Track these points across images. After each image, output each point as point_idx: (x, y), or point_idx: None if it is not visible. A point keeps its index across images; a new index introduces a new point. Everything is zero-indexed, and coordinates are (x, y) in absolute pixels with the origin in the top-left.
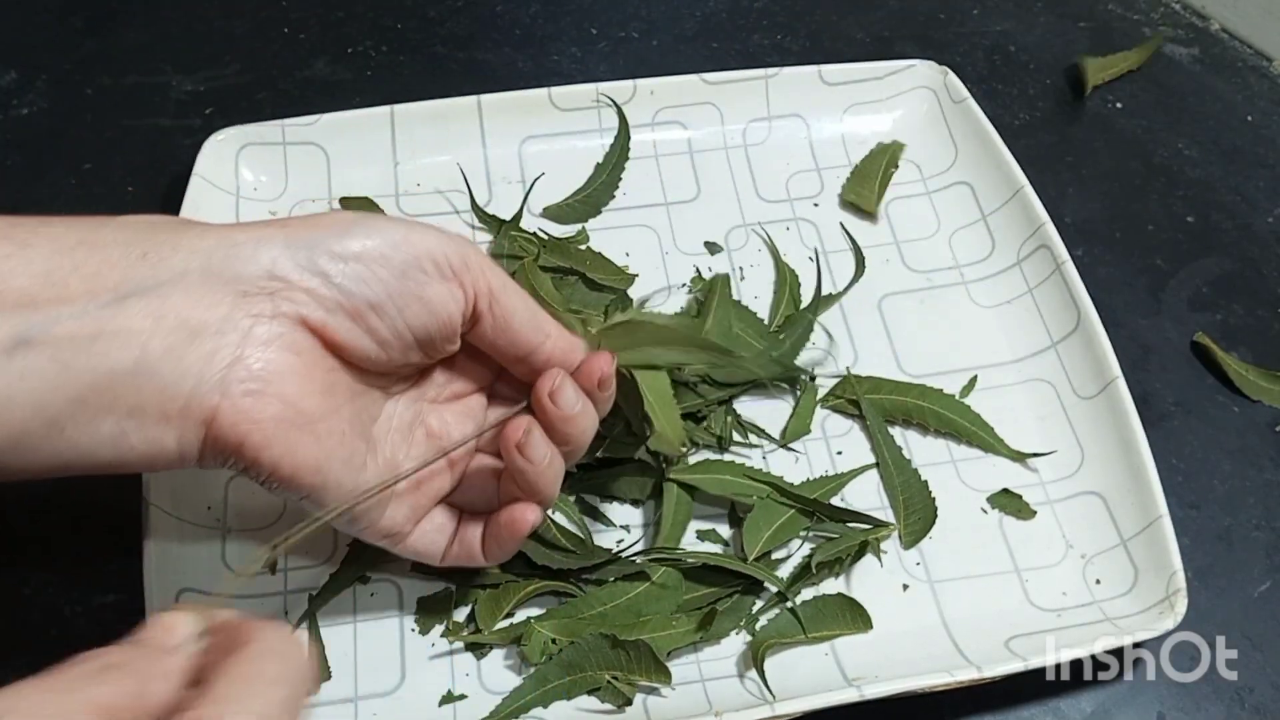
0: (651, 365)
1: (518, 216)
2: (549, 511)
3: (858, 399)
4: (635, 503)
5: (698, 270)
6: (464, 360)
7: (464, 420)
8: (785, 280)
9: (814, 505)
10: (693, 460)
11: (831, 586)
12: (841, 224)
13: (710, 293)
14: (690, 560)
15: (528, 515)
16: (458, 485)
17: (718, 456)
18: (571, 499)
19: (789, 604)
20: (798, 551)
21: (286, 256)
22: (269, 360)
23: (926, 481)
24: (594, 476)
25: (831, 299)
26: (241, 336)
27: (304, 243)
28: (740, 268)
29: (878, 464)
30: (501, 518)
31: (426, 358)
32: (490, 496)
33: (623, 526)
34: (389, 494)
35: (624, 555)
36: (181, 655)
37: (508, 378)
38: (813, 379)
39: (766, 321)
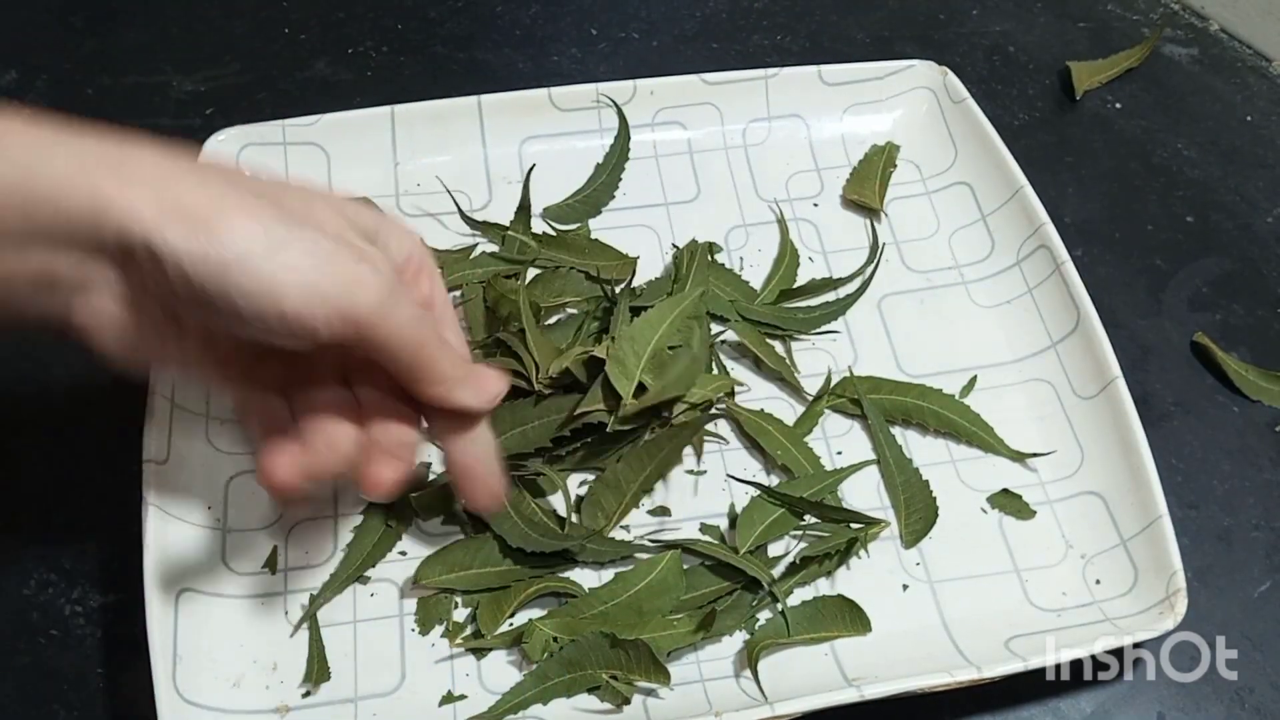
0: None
1: (518, 221)
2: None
3: (858, 398)
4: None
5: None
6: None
7: None
8: (786, 255)
9: (801, 504)
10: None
11: (830, 586)
12: (891, 220)
13: (690, 258)
14: (684, 543)
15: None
16: None
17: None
18: (564, 476)
19: (779, 603)
20: (795, 551)
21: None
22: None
23: (928, 481)
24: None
25: (850, 300)
26: None
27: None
28: (740, 268)
29: (879, 463)
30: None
31: None
32: None
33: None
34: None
35: (610, 536)
36: None
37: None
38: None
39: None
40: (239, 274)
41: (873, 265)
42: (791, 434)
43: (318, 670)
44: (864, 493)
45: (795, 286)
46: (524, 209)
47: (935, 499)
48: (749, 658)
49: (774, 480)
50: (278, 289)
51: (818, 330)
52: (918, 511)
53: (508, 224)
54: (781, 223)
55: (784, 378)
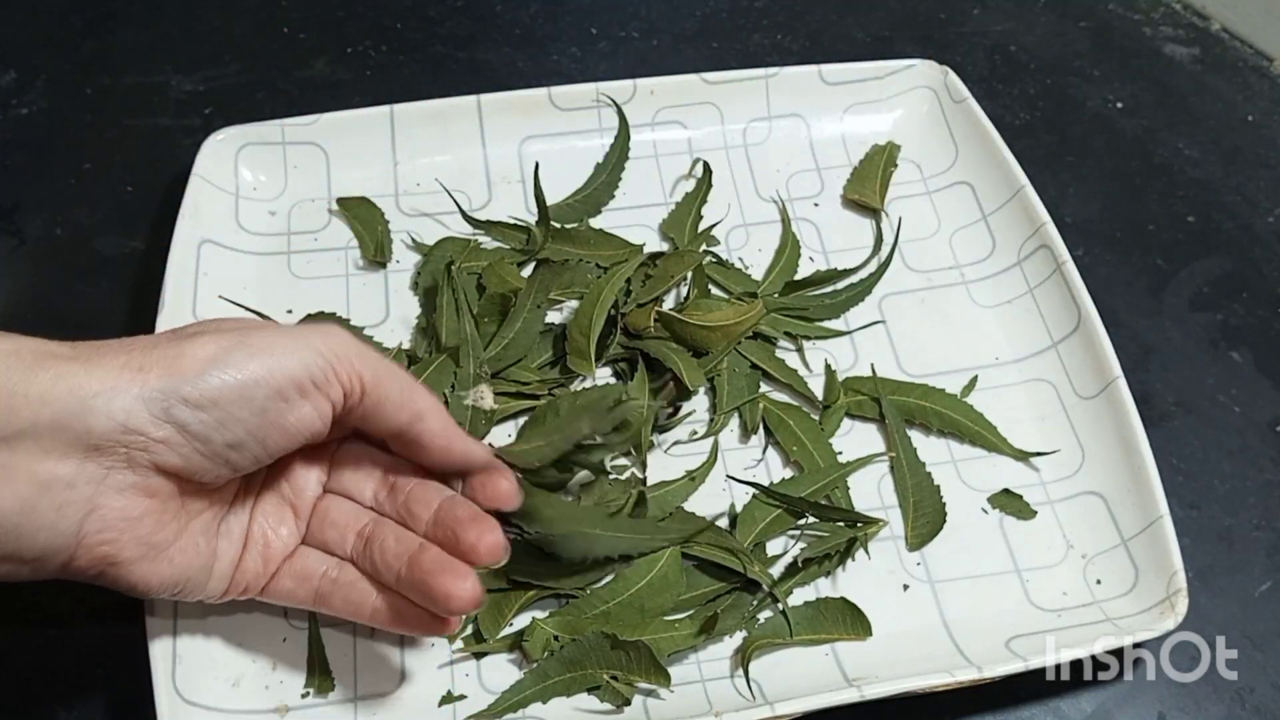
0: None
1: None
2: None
3: (878, 398)
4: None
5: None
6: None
7: (308, 470)
8: (787, 246)
9: (799, 504)
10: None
11: (831, 585)
12: (897, 217)
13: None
14: (680, 532)
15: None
16: (306, 531)
17: None
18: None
19: (779, 605)
20: (794, 549)
21: (141, 408)
22: (124, 508)
23: (939, 486)
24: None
25: (872, 280)
26: (95, 487)
27: (159, 391)
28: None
29: (893, 463)
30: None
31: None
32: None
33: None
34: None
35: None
36: None
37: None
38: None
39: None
40: (247, 403)
41: (887, 250)
42: (813, 430)
43: (319, 672)
44: (864, 492)
45: (798, 279)
46: (541, 203)
47: (945, 505)
48: (742, 657)
49: (787, 473)
50: (285, 394)
51: (834, 333)
52: (925, 516)
53: (509, 222)
54: (784, 214)
55: (794, 387)
